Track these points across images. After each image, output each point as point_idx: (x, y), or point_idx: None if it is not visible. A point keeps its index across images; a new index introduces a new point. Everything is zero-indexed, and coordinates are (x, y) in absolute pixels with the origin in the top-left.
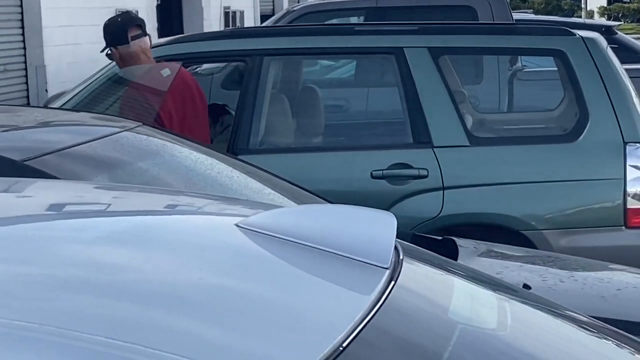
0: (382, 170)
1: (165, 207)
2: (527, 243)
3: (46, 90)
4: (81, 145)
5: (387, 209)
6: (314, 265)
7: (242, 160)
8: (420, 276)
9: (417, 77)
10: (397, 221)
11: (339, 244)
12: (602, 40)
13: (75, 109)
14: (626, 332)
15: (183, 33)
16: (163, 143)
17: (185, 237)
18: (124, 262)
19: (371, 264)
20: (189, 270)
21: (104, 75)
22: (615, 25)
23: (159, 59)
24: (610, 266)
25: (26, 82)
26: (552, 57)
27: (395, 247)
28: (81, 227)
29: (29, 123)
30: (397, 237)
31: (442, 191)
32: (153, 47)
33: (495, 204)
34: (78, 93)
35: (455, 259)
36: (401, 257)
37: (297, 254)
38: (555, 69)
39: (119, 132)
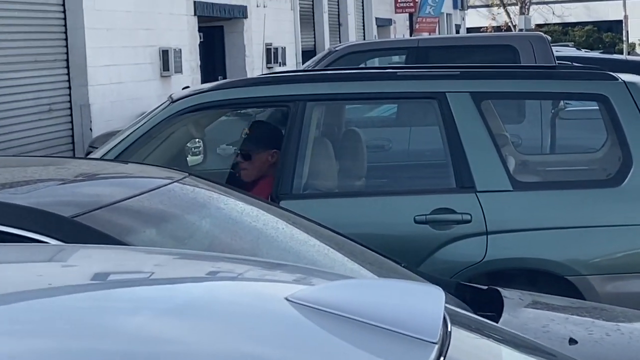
0: (426, 215)
1: (214, 277)
2: (571, 288)
3: (90, 129)
4: (130, 200)
5: (431, 254)
6: (363, 340)
7: (287, 209)
8: (469, 347)
9: (459, 121)
10: (441, 266)
11: (388, 318)
12: None
13: (122, 158)
14: None
15: (225, 70)
16: (209, 194)
17: (235, 310)
18: (170, 337)
19: (420, 339)
20: (238, 346)
21: (155, 117)
22: None
23: (203, 105)
24: None
25: (71, 121)
26: (594, 102)
27: (444, 318)
28: (130, 299)
29: (76, 176)
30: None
31: (485, 236)
32: (196, 93)
33: (539, 249)
34: (129, 135)
35: (501, 310)
36: (449, 330)
37: (346, 329)
38: (597, 107)
39: (166, 185)
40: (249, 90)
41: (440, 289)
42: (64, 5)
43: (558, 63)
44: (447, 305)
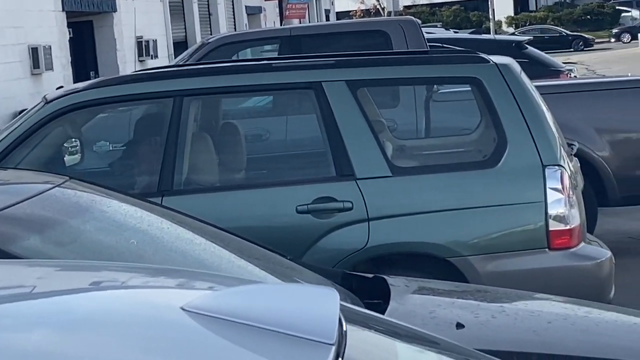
0: (307, 204)
1: (107, 288)
2: (453, 270)
3: None
4: (11, 207)
5: (314, 243)
6: (261, 346)
7: (170, 208)
8: (365, 345)
9: (336, 110)
10: (325, 254)
11: (285, 322)
12: (516, 65)
13: None
14: None
15: (97, 65)
16: (91, 198)
17: (131, 321)
18: (67, 353)
19: (317, 341)
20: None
21: (30, 119)
22: (524, 40)
23: (78, 105)
24: (538, 296)
25: None
26: (468, 85)
27: (339, 319)
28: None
29: None
30: (327, 276)
31: (367, 222)
32: (70, 93)
33: (420, 232)
34: (3, 139)
35: (388, 298)
36: (344, 329)
37: (244, 336)
38: (469, 89)
39: (47, 190)
40: (124, 87)
41: (334, 290)
42: None
43: (429, 46)
44: (343, 304)
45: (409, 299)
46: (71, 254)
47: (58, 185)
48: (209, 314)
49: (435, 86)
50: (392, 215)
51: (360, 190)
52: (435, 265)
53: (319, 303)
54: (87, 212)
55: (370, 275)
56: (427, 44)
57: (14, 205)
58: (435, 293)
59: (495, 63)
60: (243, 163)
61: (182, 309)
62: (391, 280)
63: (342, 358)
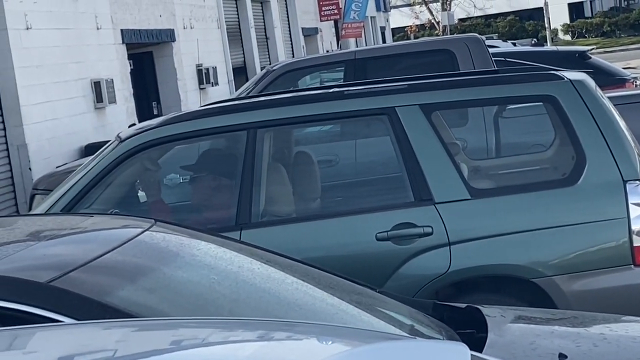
0: (387, 231)
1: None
2: (538, 291)
3: (30, 169)
4: (104, 256)
5: (395, 270)
6: None
7: (255, 246)
8: None
9: (411, 135)
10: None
11: None
12: (590, 81)
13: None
14: None
15: (159, 94)
16: (180, 241)
17: None
18: None
19: None
20: None
21: (105, 159)
22: (588, 50)
23: (152, 142)
24: (637, 319)
25: (9, 163)
26: (541, 103)
27: None
28: None
29: (44, 236)
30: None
31: (448, 247)
32: (144, 131)
33: (503, 254)
34: (80, 180)
35: (483, 329)
36: None
37: None
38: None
39: (137, 236)
40: (196, 123)
41: (465, 346)
42: None
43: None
44: (473, 354)
45: (507, 329)
46: (166, 301)
47: (146, 230)
48: None
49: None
50: (473, 238)
51: (440, 215)
52: (519, 287)
53: None
54: (178, 257)
55: (463, 305)
56: (493, 60)
57: (106, 253)
58: (533, 322)
59: (570, 79)
60: (319, 192)
61: None
62: (486, 310)
63: None
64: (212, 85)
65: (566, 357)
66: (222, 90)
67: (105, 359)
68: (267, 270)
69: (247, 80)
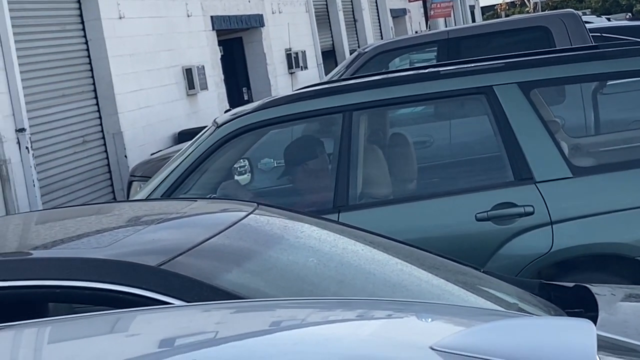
0: (487, 211)
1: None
2: None
3: (125, 157)
4: (210, 240)
5: (496, 250)
6: None
7: (358, 228)
8: None
9: (510, 114)
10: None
11: None
12: None
13: (175, 189)
14: None
15: (249, 80)
16: (284, 224)
17: None
18: None
19: None
20: None
21: (203, 144)
22: None
23: (248, 127)
24: None
25: (105, 151)
26: None
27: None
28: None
29: (150, 221)
30: (524, 287)
31: (550, 226)
32: (240, 116)
33: (607, 233)
34: (179, 165)
35: (593, 308)
36: None
37: None
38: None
39: (241, 220)
40: (291, 107)
41: (590, 322)
42: (85, 36)
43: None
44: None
45: (618, 307)
46: (272, 284)
47: (250, 213)
48: (462, 353)
49: None
50: (576, 217)
51: (541, 194)
52: (625, 266)
53: (575, 337)
54: (282, 240)
55: (571, 285)
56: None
57: (212, 237)
58: None
59: None
60: (416, 173)
61: (432, 348)
62: (595, 289)
63: None
64: (302, 70)
65: None
66: (312, 74)
67: (211, 340)
68: (370, 251)
69: (336, 63)
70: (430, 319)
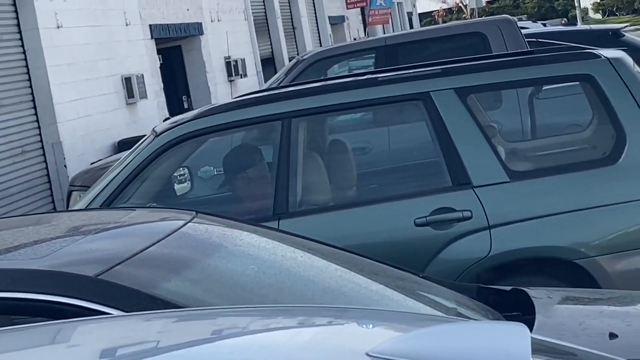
0: (426, 216)
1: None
2: (581, 272)
3: (65, 166)
4: (149, 249)
5: (435, 255)
6: None
7: (297, 235)
8: None
9: (447, 119)
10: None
11: None
12: (628, 58)
13: (114, 198)
14: None
15: (188, 88)
16: (223, 232)
17: None
18: None
19: None
20: None
21: (142, 153)
22: (621, 28)
23: (188, 135)
24: None
25: (45, 161)
26: (578, 82)
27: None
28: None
29: (87, 231)
30: (462, 291)
31: (488, 230)
32: (179, 124)
33: (544, 236)
34: (117, 175)
35: (528, 310)
36: None
37: None
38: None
39: (180, 228)
40: (231, 114)
41: (524, 326)
42: (22, 46)
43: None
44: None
45: (555, 310)
46: (211, 292)
47: (189, 222)
48: (397, 359)
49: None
50: (514, 221)
51: (479, 198)
52: (562, 269)
53: (510, 342)
54: (221, 248)
55: (508, 288)
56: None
57: (151, 246)
58: (581, 302)
59: (608, 58)
60: (356, 179)
61: (368, 354)
62: (532, 292)
63: None
64: (241, 77)
65: (617, 336)
66: (251, 82)
67: (151, 349)
68: (309, 258)
69: (275, 71)
70: (367, 325)
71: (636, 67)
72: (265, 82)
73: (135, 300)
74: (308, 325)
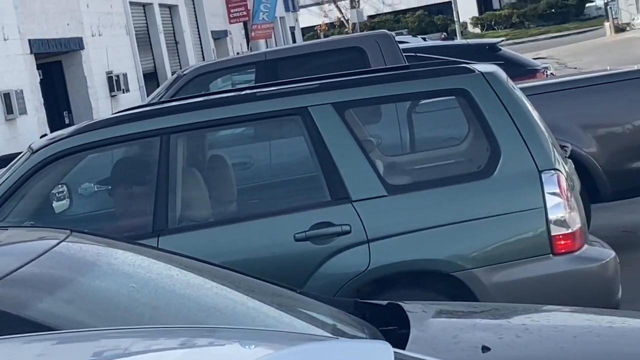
0: (305, 231)
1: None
2: (459, 284)
3: None
4: (20, 269)
5: (315, 269)
6: None
7: (175, 253)
8: None
9: (325, 134)
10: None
11: None
12: (501, 72)
13: None
14: None
15: (69, 104)
16: (97, 250)
17: None
18: None
19: None
20: None
21: (18, 170)
22: (498, 42)
23: (65, 152)
24: (557, 308)
25: None
26: (454, 97)
27: None
28: None
29: None
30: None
31: (367, 244)
32: (56, 141)
33: (422, 250)
34: None
35: (403, 324)
36: None
37: None
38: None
39: (53, 248)
40: (109, 130)
41: (387, 344)
42: None
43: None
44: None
45: (429, 324)
46: (85, 312)
47: (62, 241)
48: None
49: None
50: (392, 234)
51: (357, 213)
52: (440, 282)
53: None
54: (95, 267)
55: (384, 303)
56: (404, 56)
57: (22, 266)
58: (455, 315)
59: (481, 72)
60: (236, 195)
61: None
62: (407, 306)
63: None
64: (123, 92)
65: (489, 349)
66: (134, 97)
67: None
68: (186, 276)
69: (158, 85)
70: (233, 345)
71: (509, 81)
72: (147, 96)
73: (4, 323)
74: (176, 346)
